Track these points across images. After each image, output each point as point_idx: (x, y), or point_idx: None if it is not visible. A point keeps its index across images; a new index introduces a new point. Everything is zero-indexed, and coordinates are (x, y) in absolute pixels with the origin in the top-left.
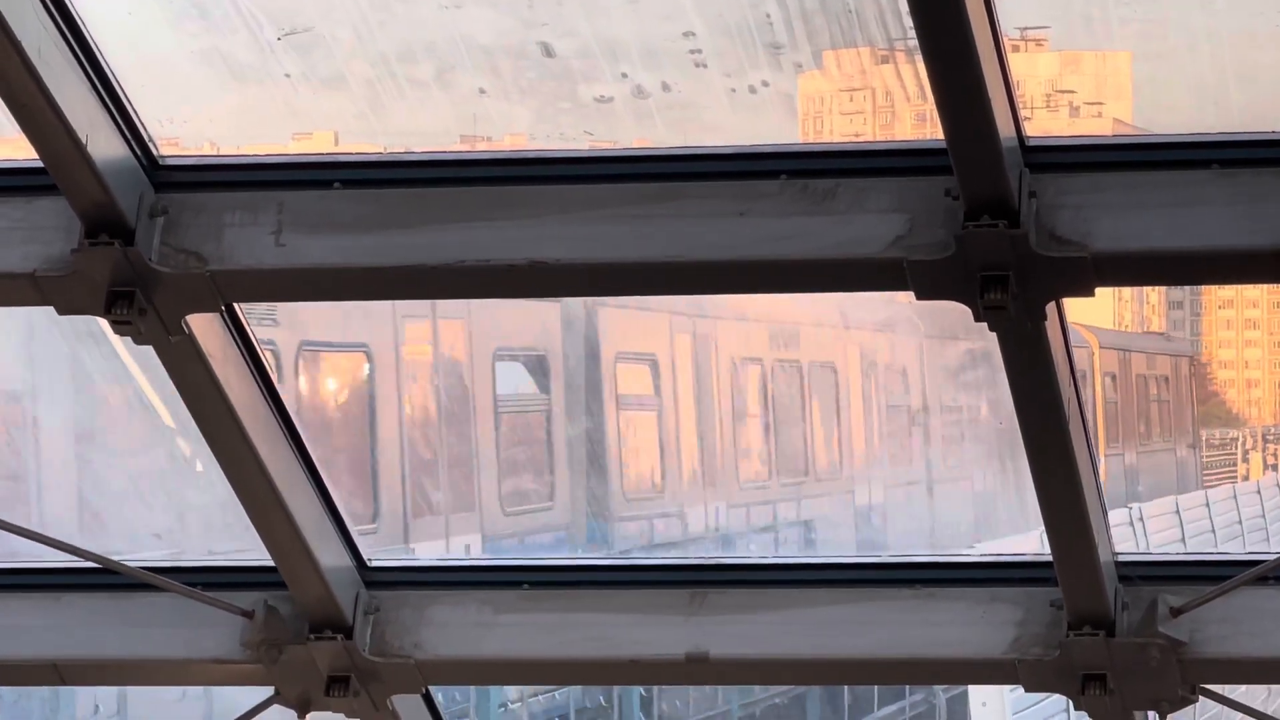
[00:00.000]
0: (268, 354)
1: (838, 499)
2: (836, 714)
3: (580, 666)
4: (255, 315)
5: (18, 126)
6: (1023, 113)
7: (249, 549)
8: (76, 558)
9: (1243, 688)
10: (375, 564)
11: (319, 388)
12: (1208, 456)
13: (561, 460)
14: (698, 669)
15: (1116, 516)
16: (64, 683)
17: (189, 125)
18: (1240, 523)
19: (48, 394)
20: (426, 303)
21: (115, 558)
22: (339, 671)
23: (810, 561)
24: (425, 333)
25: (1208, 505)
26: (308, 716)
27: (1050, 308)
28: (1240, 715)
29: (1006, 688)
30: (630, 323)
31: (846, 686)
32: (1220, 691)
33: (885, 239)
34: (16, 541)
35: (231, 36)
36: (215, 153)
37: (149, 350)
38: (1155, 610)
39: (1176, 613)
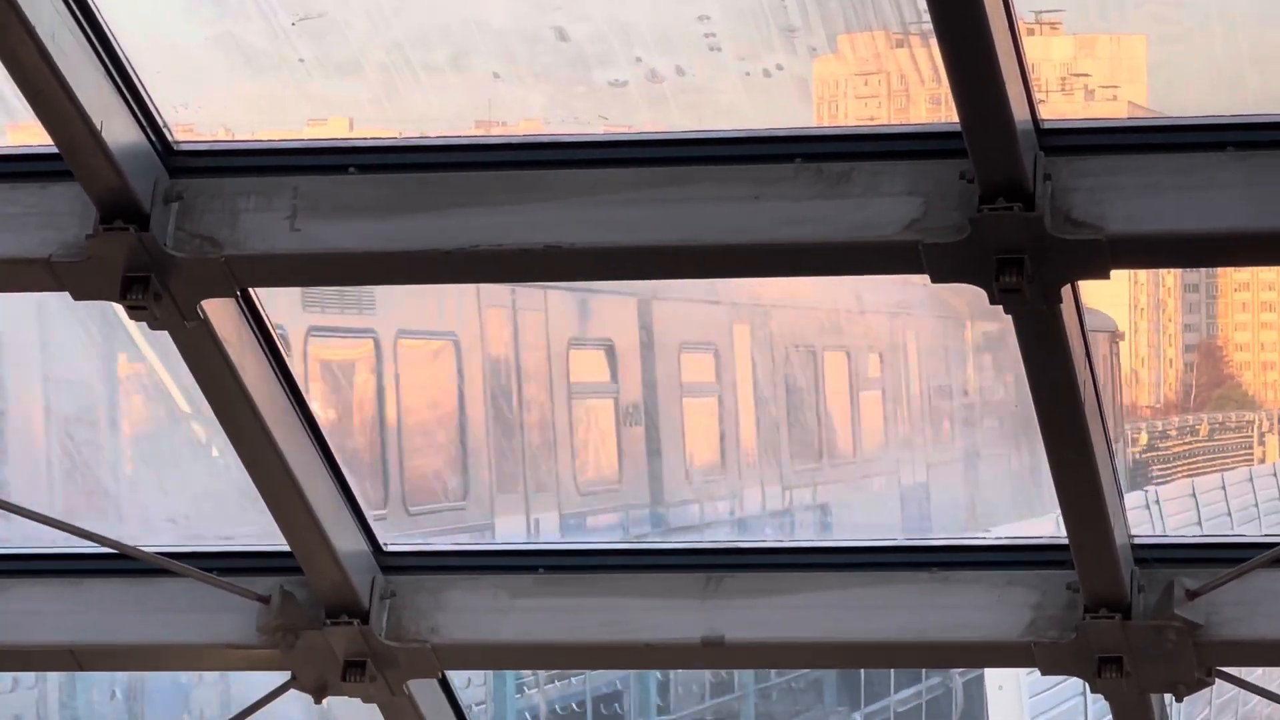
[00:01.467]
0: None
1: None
2: (852, 698)
3: (596, 651)
4: None
5: (32, 112)
6: (1038, 96)
7: (265, 534)
8: (93, 543)
9: (1259, 670)
10: (391, 549)
11: None
12: (1223, 439)
13: None
14: (713, 653)
15: (1132, 499)
16: (81, 668)
17: (204, 111)
18: (1257, 505)
19: (61, 380)
20: None
21: (131, 543)
22: (355, 656)
23: (825, 545)
24: None
25: (1224, 488)
26: (324, 701)
27: (1065, 290)
28: (1256, 697)
29: (1023, 670)
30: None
31: (862, 670)
32: (1236, 674)
33: (900, 222)
34: (33, 527)
35: (246, 23)
36: (230, 138)
37: (164, 335)
38: (1171, 593)
39: (1193, 595)
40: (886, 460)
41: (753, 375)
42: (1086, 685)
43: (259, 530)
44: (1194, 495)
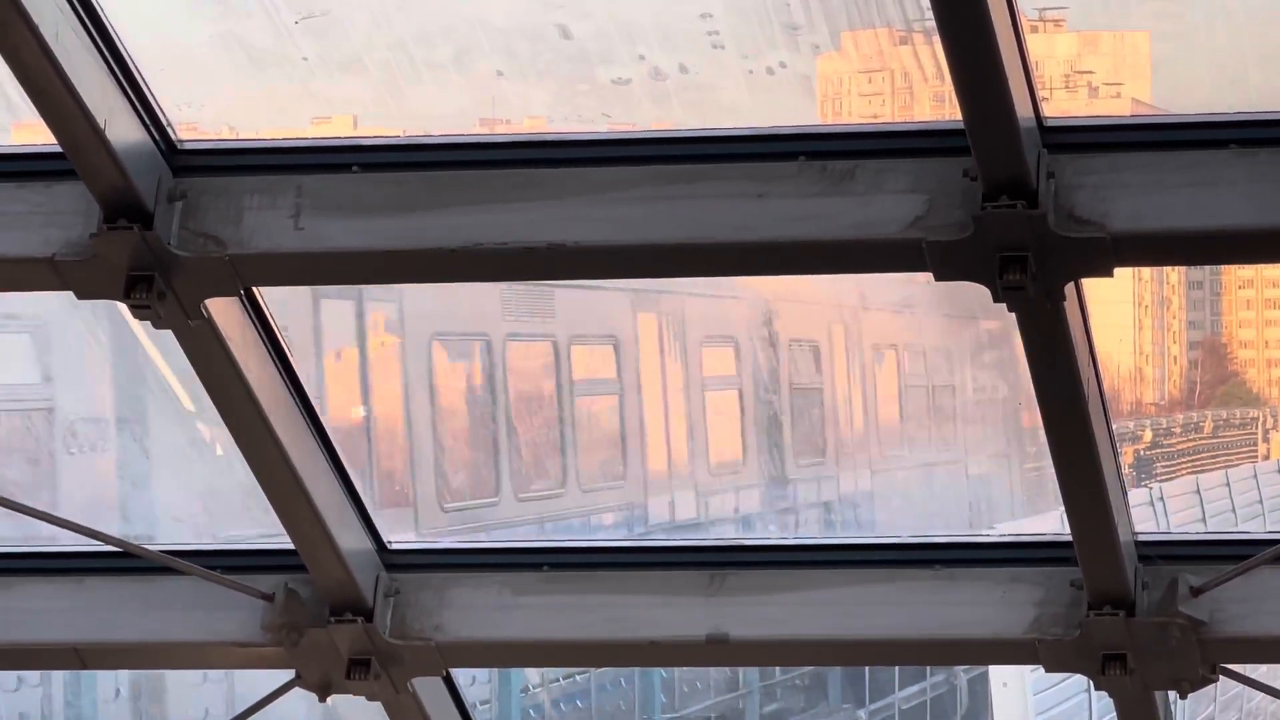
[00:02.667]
0: None
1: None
2: (857, 695)
3: (600, 648)
4: None
5: (36, 111)
6: (1041, 93)
7: (269, 532)
8: (97, 541)
9: (1264, 667)
10: (395, 547)
11: None
12: (1227, 436)
13: None
14: (717, 650)
15: (1136, 496)
16: (85, 666)
17: (207, 109)
18: (1261, 502)
19: (67, 378)
20: None
21: (136, 541)
22: (360, 654)
23: (830, 543)
24: None
25: (1228, 485)
26: (328, 699)
27: (1069, 288)
28: (1260, 694)
29: (1027, 668)
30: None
31: (867, 667)
32: (1241, 671)
33: (904, 220)
34: (38, 525)
35: (249, 21)
36: (234, 137)
37: (168, 333)
38: (1175, 590)
39: (1197, 592)
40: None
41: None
42: (1091, 682)
43: (263, 528)
44: (1198, 492)
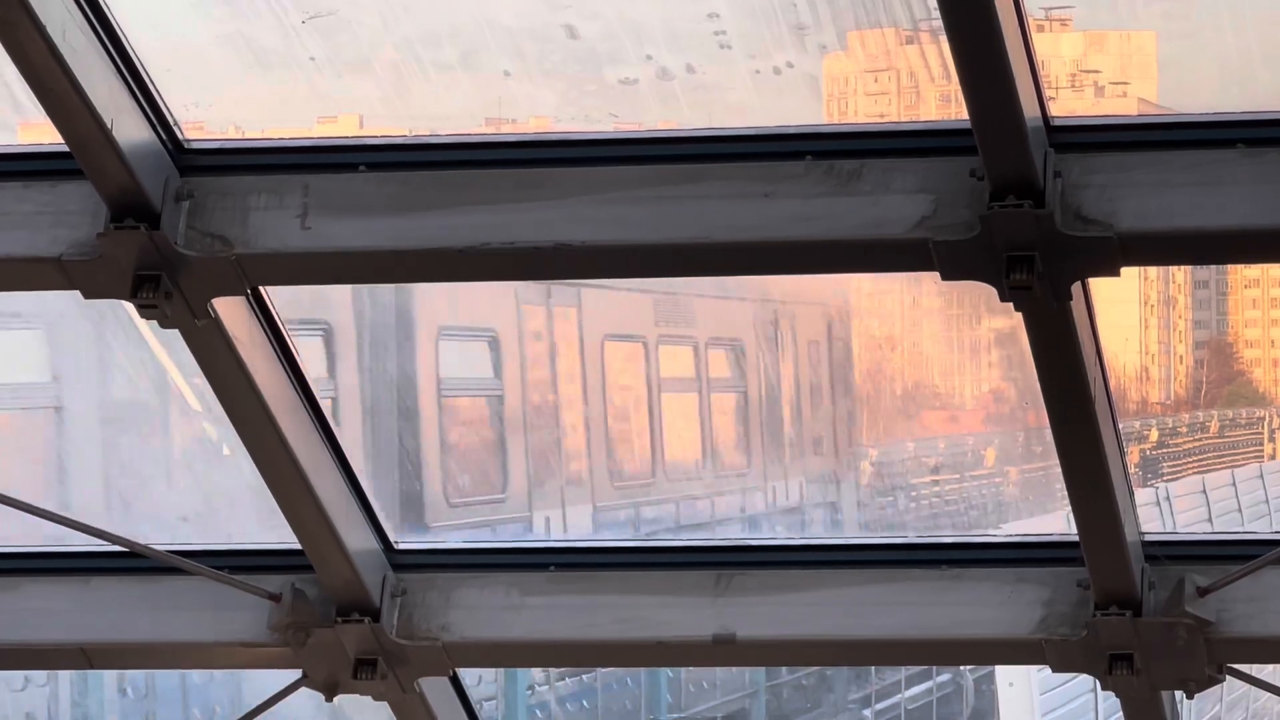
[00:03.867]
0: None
1: None
2: (863, 695)
3: (607, 648)
4: None
5: (43, 111)
6: (1048, 93)
7: (276, 532)
8: (104, 541)
9: (1270, 667)
10: (402, 547)
11: None
12: (1233, 435)
13: None
14: (724, 650)
15: (1142, 496)
16: (92, 666)
17: (214, 109)
18: (1267, 501)
19: (73, 378)
20: None
21: (142, 541)
22: (366, 654)
23: (836, 542)
24: None
25: (1234, 484)
26: (335, 699)
27: (1076, 288)
28: (1266, 694)
29: (1033, 668)
30: None
31: (873, 667)
32: (1248, 671)
33: (910, 220)
34: (44, 525)
35: (256, 20)
36: (240, 136)
37: (175, 333)
38: (1182, 590)
39: (1204, 592)
40: None
41: None
42: (1097, 682)
43: (270, 528)
44: (1204, 492)
